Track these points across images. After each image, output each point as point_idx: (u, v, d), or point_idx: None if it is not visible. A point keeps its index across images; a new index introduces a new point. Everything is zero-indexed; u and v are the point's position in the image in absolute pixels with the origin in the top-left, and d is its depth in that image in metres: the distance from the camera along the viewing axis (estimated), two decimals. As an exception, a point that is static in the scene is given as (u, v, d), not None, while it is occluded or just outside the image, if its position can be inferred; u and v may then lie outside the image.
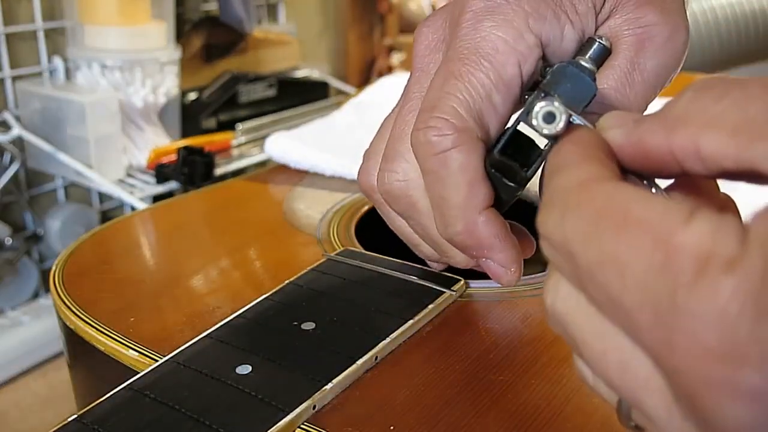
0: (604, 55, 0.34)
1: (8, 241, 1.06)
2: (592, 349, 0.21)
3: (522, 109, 0.31)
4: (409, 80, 0.38)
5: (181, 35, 1.20)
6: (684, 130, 0.21)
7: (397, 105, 0.39)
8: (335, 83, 1.44)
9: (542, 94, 0.29)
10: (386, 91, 0.84)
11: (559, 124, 0.27)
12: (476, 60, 0.33)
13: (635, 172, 0.24)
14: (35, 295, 1.13)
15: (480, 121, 0.33)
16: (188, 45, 1.21)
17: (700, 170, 0.21)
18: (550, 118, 0.27)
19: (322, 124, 0.73)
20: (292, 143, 0.65)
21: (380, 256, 0.44)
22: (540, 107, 0.27)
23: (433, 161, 0.33)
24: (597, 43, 0.34)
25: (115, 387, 0.32)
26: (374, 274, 0.42)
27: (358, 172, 0.40)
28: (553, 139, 0.27)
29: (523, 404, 0.32)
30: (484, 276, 0.41)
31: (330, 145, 0.64)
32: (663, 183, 0.25)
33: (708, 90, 0.21)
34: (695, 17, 1.41)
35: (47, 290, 1.14)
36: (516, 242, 0.35)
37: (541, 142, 0.30)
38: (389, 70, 1.66)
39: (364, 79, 1.67)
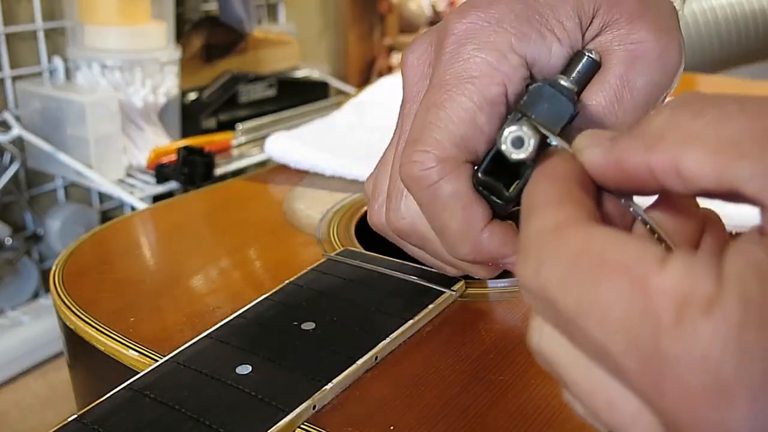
0: (593, 70, 0.34)
1: (8, 241, 1.06)
2: (580, 388, 0.21)
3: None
4: (401, 112, 0.38)
5: (181, 35, 1.20)
6: (663, 149, 0.21)
7: (393, 136, 0.39)
8: (335, 83, 1.44)
9: (518, 116, 0.28)
10: (386, 91, 0.84)
11: (528, 149, 0.27)
12: (458, 84, 0.33)
13: (613, 191, 0.24)
14: (35, 295, 1.13)
15: (465, 145, 0.33)
16: (188, 45, 1.21)
17: (680, 189, 0.21)
18: (518, 143, 0.27)
19: (322, 124, 0.73)
20: (292, 143, 0.65)
21: (380, 256, 0.44)
22: (508, 132, 0.27)
23: (424, 194, 0.33)
24: (586, 57, 0.34)
25: (115, 387, 0.32)
26: (374, 274, 0.42)
27: (369, 213, 0.40)
28: (530, 161, 0.27)
29: (523, 404, 0.32)
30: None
31: (330, 145, 0.64)
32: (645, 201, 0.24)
33: (686, 107, 0.21)
34: (695, 17, 1.41)
35: (47, 290, 1.14)
36: None
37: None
38: (389, 70, 1.66)
39: (364, 79, 1.67)
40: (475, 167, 0.33)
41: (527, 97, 0.29)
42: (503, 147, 0.27)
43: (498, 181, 0.33)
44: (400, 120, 0.38)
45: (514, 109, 0.30)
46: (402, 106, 0.38)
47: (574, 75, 0.34)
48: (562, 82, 0.29)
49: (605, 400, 0.20)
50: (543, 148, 0.27)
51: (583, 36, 0.34)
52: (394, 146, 0.38)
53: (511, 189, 0.33)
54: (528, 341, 0.23)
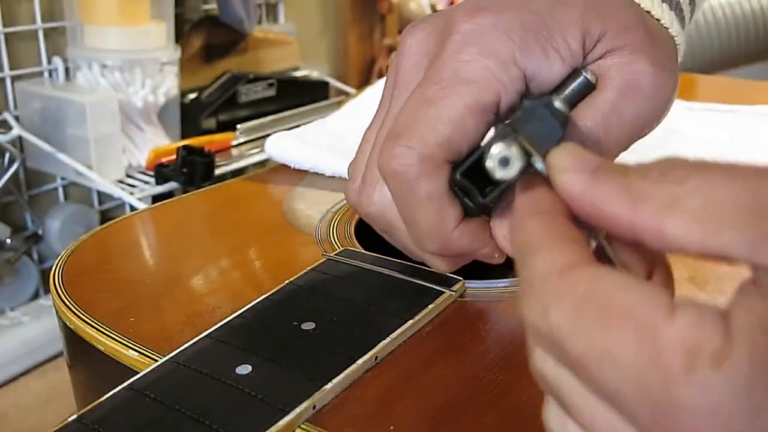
0: (587, 90, 0.34)
1: (8, 241, 1.06)
2: (581, 414, 0.21)
3: (487, 141, 0.31)
4: (389, 94, 0.37)
5: (181, 35, 1.20)
6: (648, 209, 0.21)
7: (376, 116, 0.38)
8: (335, 83, 1.44)
9: (508, 131, 0.28)
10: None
11: (512, 170, 0.27)
12: (454, 84, 0.32)
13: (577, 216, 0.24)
14: (35, 295, 1.13)
15: (449, 146, 0.32)
16: (188, 45, 1.22)
17: (658, 247, 0.21)
18: (505, 162, 0.27)
19: (323, 124, 0.73)
20: (292, 143, 0.65)
21: (380, 256, 0.44)
22: (497, 150, 0.27)
23: (399, 189, 0.33)
24: (582, 77, 0.33)
25: (115, 387, 0.32)
26: (374, 274, 0.42)
27: (345, 188, 0.40)
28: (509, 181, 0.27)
29: (523, 404, 0.32)
30: (484, 276, 0.41)
31: (330, 145, 0.64)
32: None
33: (673, 170, 0.21)
34: (695, 17, 1.41)
35: (47, 290, 1.14)
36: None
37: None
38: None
39: (364, 79, 1.67)
40: (453, 165, 0.33)
41: (520, 113, 0.29)
42: (489, 164, 0.27)
43: (473, 185, 0.33)
44: (386, 102, 0.37)
45: (504, 123, 0.29)
46: (390, 88, 0.37)
47: (567, 92, 0.34)
48: (556, 104, 0.29)
49: (605, 426, 0.21)
50: (526, 168, 0.27)
51: (584, 57, 0.34)
52: (376, 128, 0.37)
53: (486, 197, 0.32)
54: (531, 365, 0.23)
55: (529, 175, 0.26)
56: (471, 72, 0.33)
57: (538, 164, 0.26)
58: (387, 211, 0.36)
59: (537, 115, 0.28)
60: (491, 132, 0.33)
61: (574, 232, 0.23)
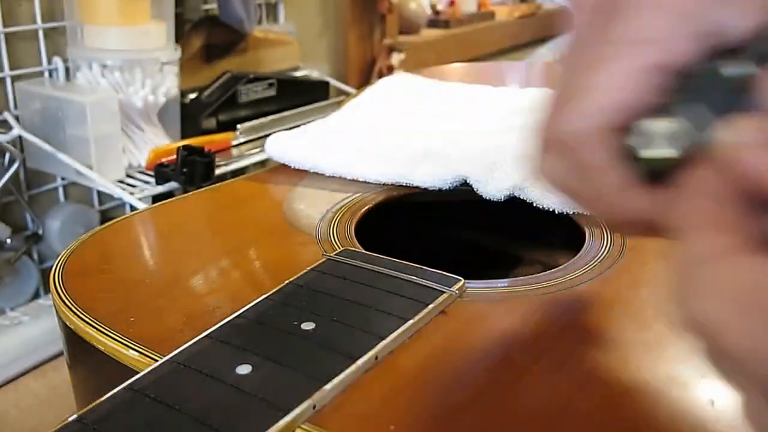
0: None
1: (8, 241, 1.06)
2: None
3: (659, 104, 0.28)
4: (567, 51, 0.33)
5: (181, 35, 1.20)
6: None
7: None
8: (335, 83, 1.44)
9: (682, 99, 0.26)
10: (386, 92, 0.84)
11: (664, 150, 0.25)
12: (629, 44, 0.29)
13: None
14: (35, 295, 1.13)
15: (620, 112, 0.29)
16: (188, 45, 1.21)
17: None
18: (661, 141, 0.25)
19: (322, 124, 0.73)
20: (292, 143, 0.65)
21: (380, 256, 0.44)
22: (656, 128, 0.25)
23: (566, 157, 0.31)
24: None
25: (115, 387, 0.32)
26: (374, 274, 0.42)
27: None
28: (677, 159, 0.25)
29: (523, 405, 0.32)
30: (484, 276, 0.41)
31: (330, 145, 0.64)
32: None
33: None
34: None
35: (47, 290, 1.14)
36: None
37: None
38: (389, 70, 1.66)
39: (364, 79, 1.67)
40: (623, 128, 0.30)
41: (694, 80, 0.26)
42: (634, 142, 0.25)
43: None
44: (564, 62, 0.34)
45: (676, 89, 0.27)
46: (568, 47, 0.33)
47: (758, 49, 0.29)
48: (736, 70, 0.26)
49: None
50: (689, 146, 0.25)
51: None
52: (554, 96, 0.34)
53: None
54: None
55: (697, 150, 0.24)
56: (648, 30, 0.29)
57: (709, 137, 0.24)
58: (560, 175, 0.33)
59: (714, 81, 0.26)
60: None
61: (740, 218, 0.21)
